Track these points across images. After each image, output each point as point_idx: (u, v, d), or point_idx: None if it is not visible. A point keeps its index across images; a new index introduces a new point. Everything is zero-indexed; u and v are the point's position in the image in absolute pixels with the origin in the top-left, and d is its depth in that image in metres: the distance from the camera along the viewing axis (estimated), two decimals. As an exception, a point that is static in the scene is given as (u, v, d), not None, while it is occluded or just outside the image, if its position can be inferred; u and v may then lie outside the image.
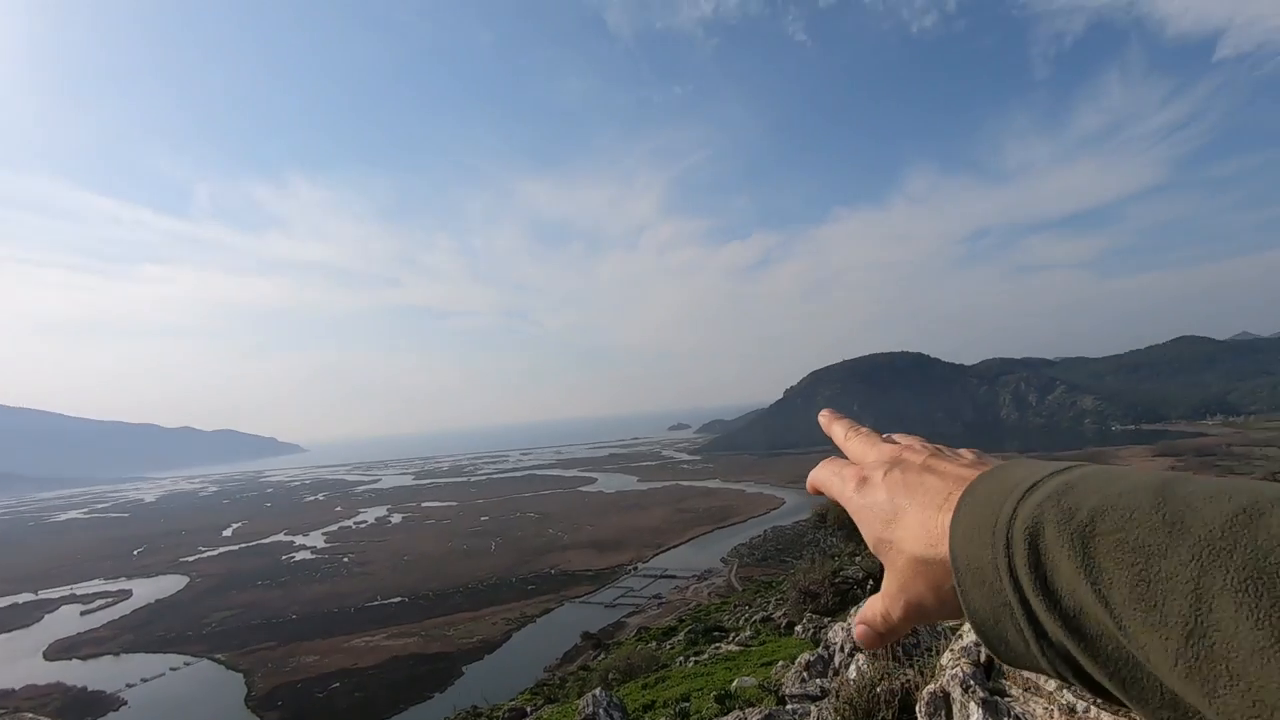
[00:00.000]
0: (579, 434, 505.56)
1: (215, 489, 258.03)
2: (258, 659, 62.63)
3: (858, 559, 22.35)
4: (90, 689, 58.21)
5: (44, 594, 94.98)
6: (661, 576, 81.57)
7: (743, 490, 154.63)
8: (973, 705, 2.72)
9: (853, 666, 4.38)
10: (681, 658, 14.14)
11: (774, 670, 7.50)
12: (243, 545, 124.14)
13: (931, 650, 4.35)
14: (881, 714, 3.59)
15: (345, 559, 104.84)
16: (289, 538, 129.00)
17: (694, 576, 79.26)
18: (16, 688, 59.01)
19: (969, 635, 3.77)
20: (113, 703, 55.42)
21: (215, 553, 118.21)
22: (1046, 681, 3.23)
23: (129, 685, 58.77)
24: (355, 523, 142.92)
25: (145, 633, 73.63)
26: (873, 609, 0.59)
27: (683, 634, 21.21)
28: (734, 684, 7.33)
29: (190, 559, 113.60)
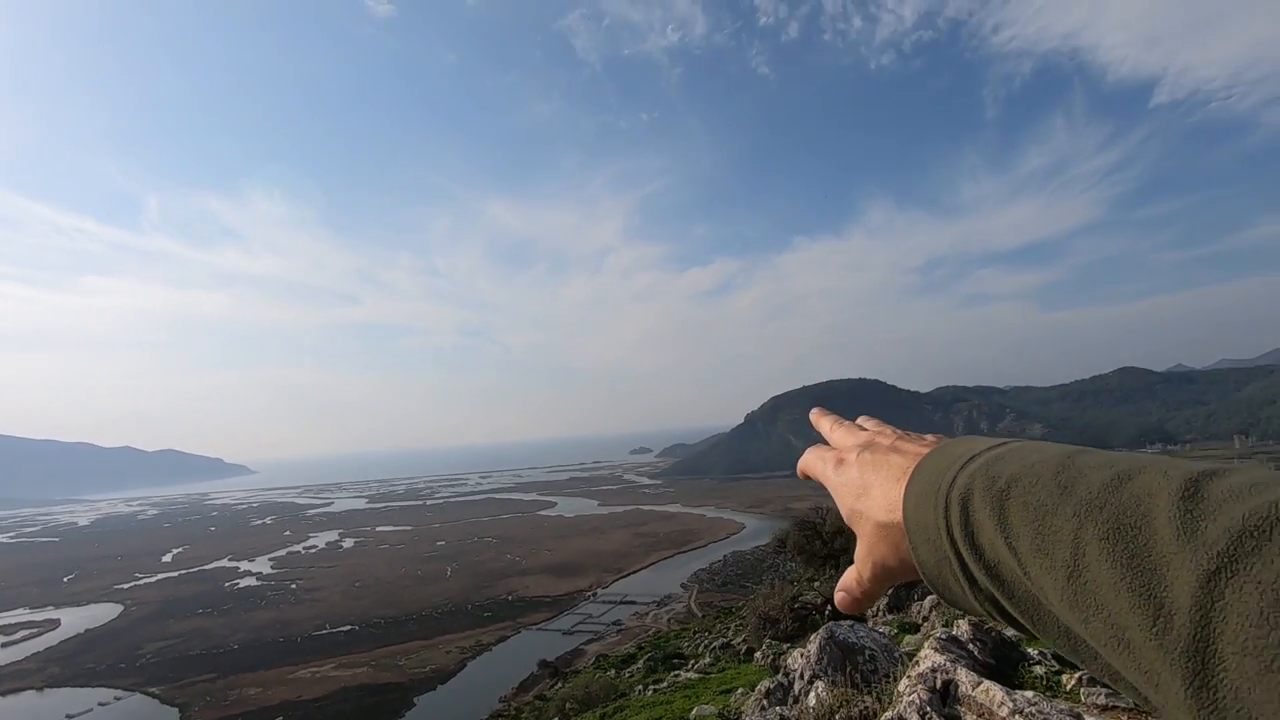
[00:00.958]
0: (540, 456, 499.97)
1: (155, 512, 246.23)
2: (196, 691, 59.49)
3: (816, 584, 22.53)
4: (9, 727, 54.42)
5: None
6: (621, 602, 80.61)
7: (703, 515, 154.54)
8: (929, 732, 2.75)
9: (812, 694, 4.40)
10: (640, 686, 13.97)
11: (733, 698, 7.46)
12: (183, 571, 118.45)
13: (890, 677, 4.40)
14: (840, 742, 3.61)
15: (293, 585, 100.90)
16: (233, 563, 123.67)
17: (654, 602, 78.57)
18: (-75, 727, 54.85)
19: (925, 662, 3.83)
20: (33, 741, 51.88)
21: (153, 579, 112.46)
22: (999, 707, 3.30)
23: (52, 722, 55.09)
24: (305, 548, 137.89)
25: (73, 665, 69.34)
26: (848, 576, 0.68)
27: (642, 662, 20.97)
28: (693, 713, 7.27)
29: (125, 586, 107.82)
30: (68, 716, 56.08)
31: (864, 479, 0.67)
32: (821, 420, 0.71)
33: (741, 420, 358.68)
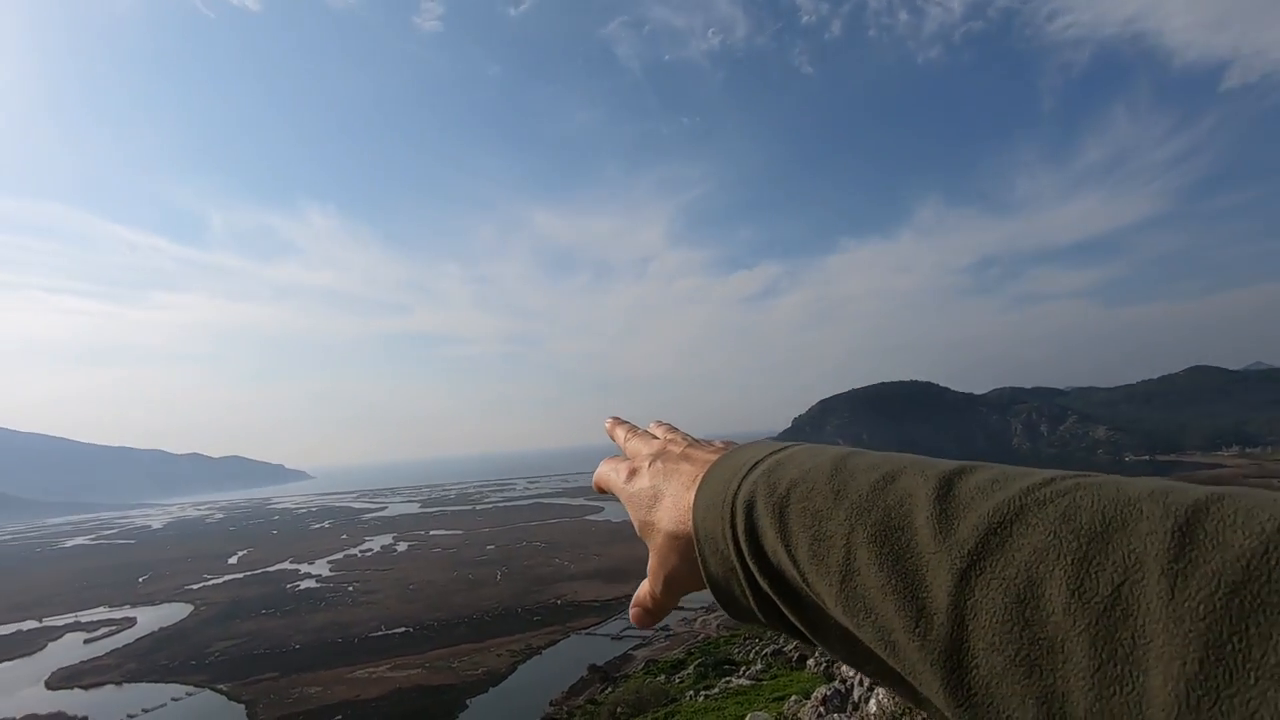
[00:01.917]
0: (586, 462, 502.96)
1: (222, 515, 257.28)
2: (260, 690, 61.76)
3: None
4: (91, 719, 57.54)
5: (48, 621, 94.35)
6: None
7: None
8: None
9: (873, 701, 4.32)
10: (691, 692, 13.89)
11: (787, 705, 7.36)
12: (247, 573, 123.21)
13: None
14: (903, 750, 3.53)
15: (350, 588, 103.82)
16: (294, 565, 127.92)
17: (701, 608, 77.86)
18: (18, 717, 58.40)
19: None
20: (113, 733, 54.70)
21: (220, 580, 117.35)
22: None
23: (130, 716, 57.93)
24: (361, 551, 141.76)
25: (148, 661, 72.85)
26: (641, 590, 0.65)
27: (692, 667, 20.85)
28: (747, 719, 7.19)
29: (195, 586, 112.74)
30: (144, 710, 59.00)
31: (655, 488, 0.64)
32: (615, 429, 0.69)
33: (788, 425, 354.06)
